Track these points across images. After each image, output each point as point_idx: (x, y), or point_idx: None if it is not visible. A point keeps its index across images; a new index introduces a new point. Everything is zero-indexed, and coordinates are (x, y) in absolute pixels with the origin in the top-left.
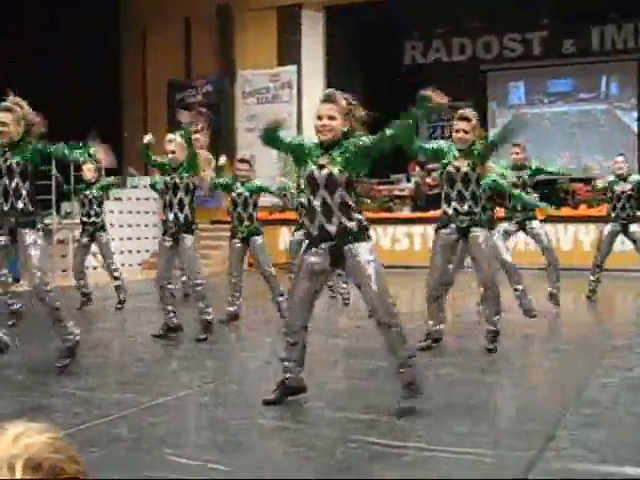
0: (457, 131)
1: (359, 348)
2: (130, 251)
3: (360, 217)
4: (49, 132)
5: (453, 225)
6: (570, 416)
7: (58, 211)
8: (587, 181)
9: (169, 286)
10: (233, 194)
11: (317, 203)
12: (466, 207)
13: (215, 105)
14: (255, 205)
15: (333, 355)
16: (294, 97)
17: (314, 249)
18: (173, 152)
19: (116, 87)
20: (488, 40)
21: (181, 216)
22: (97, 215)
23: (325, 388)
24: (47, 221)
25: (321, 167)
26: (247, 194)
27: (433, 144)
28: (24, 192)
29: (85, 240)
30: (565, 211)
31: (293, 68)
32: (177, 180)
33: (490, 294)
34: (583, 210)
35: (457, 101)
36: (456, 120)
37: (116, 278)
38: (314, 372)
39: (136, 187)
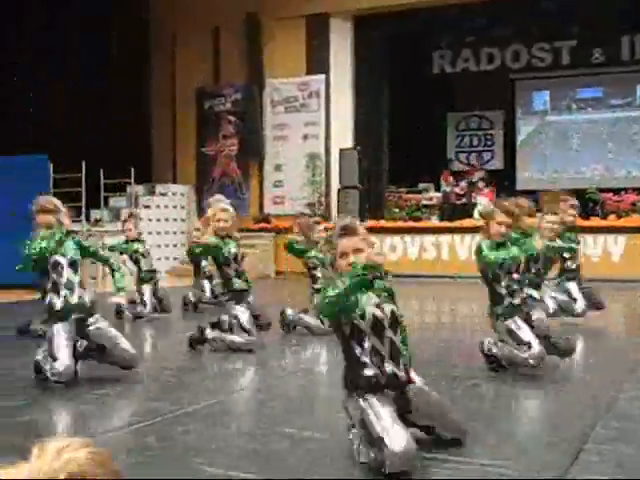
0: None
1: None
2: (159, 258)
3: None
4: (83, 138)
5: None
6: (600, 429)
7: (88, 218)
8: (616, 191)
9: None
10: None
11: (385, 347)
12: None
13: (243, 113)
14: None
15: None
16: (322, 106)
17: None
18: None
19: (145, 94)
20: (517, 49)
21: None
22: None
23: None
24: (76, 228)
25: (378, 306)
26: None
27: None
28: None
29: None
30: (594, 221)
31: (321, 77)
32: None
33: None
34: (612, 220)
35: (486, 111)
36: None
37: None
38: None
39: (165, 194)
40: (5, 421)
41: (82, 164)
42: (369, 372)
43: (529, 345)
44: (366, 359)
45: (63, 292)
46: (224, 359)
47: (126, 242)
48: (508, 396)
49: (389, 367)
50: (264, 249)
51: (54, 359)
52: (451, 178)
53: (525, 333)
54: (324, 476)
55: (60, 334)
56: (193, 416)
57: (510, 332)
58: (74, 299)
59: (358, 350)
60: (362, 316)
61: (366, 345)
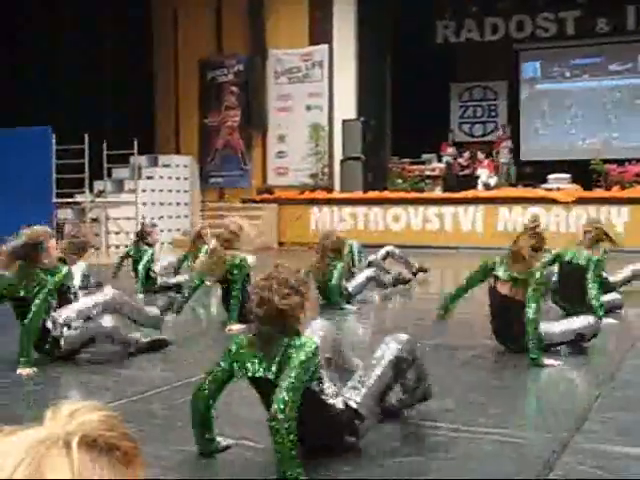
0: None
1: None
2: (162, 230)
3: None
4: (86, 110)
5: None
6: (603, 399)
7: (91, 189)
8: (620, 162)
9: None
10: None
11: None
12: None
13: (246, 84)
14: None
15: (363, 337)
16: (325, 77)
17: None
18: None
19: (148, 65)
20: (521, 19)
21: None
22: None
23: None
24: (80, 199)
25: None
26: None
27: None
28: None
29: None
30: (598, 193)
31: (324, 47)
32: None
33: None
34: (616, 192)
35: (489, 81)
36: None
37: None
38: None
39: (168, 166)
40: (14, 390)
41: (85, 136)
42: None
43: None
44: None
45: None
46: (223, 329)
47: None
48: (511, 368)
49: None
50: (267, 220)
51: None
52: (450, 149)
53: None
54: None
55: None
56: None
57: None
58: None
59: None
60: None
61: None
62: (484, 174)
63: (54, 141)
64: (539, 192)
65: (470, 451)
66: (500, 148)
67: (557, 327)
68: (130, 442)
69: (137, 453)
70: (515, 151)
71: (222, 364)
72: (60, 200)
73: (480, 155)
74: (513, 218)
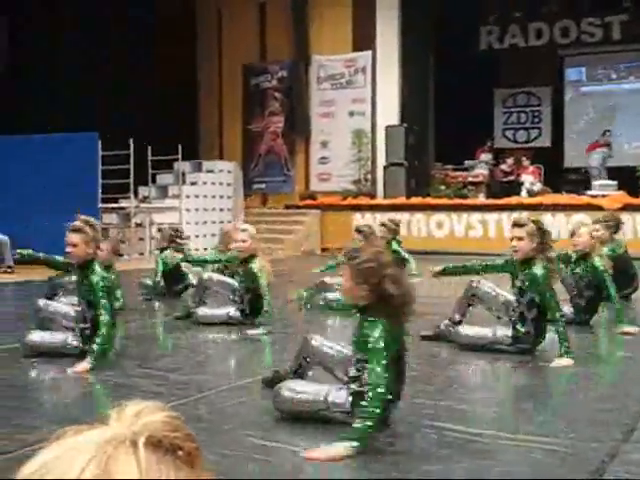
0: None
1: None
2: (205, 235)
3: None
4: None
5: None
6: None
7: (136, 194)
8: None
9: None
10: None
11: None
12: None
13: (289, 90)
14: None
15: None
16: (368, 83)
17: None
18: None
19: (192, 71)
20: (566, 24)
21: None
22: None
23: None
24: (125, 204)
25: None
26: None
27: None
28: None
29: None
30: None
31: (368, 54)
32: None
33: None
34: None
35: (533, 87)
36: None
37: None
38: None
39: (212, 172)
40: (66, 392)
41: (130, 141)
42: None
43: None
44: None
45: None
46: (269, 334)
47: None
48: (559, 373)
49: None
50: (310, 226)
51: None
52: (484, 155)
53: None
54: (373, 452)
55: None
56: (242, 390)
57: None
58: None
59: None
60: None
61: None
62: (528, 181)
63: (100, 147)
64: (584, 199)
65: (517, 459)
66: (594, 152)
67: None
68: (193, 443)
69: (199, 454)
70: (559, 157)
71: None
72: (105, 205)
73: (525, 161)
74: (557, 225)
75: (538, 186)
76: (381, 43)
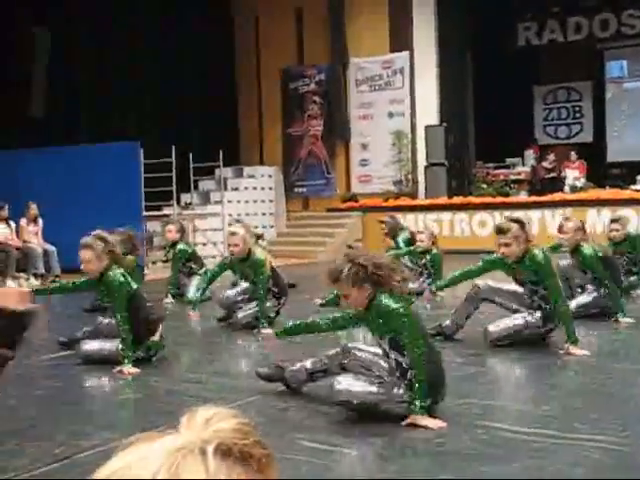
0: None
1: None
2: None
3: None
4: (172, 123)
5: None
6: None
7: (178, 202)
8: None
9: None
10: None
11: None
12: None
13: (328, 93)
14: None
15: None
16: (407, 83)
17: None
18: (236, 245)
19: (231, 77)
20: (605, 17)
21: None
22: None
23: (455, 375)
24: (168, 212)
25: None
26: None
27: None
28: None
29: None
30: None
31: (405, 54)
32: None
33: None
34: None
35: (573, 82)
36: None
37: None
38: None
39: (253, 177)
40: (111, 398)
41: (172, 148)
42: None
43: None
44: None
45: None
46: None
47: None
48: (607, 372)
49: None
50: (352, 228)
51: None
52: (534, 151)
53: None
54: (429, 454)
55: None
56: (291, 393)
57: None
58: None
59: None
60: None
61: None
62: (572, 176)
63: (142, 155)
64: (628, 193)
65: (572, 459)
66: None
67: None
68: (263, 449)
69: (270, 460)
70: (601, 152)
71: None
72: (149, 213)
73: (573, 156)
74: (602, 220)
75: (582, 181)
76: (418, 43)
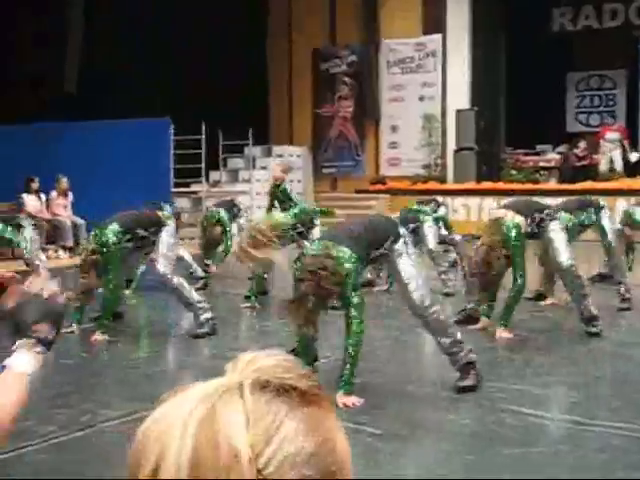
0: None
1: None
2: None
3: None
4: (202, 100)
5: None
6: None
7: (207, 179)
8: None
9: None
10: None
11: None
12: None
13: (359, 75)
14: None
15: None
16: (439, 66)
17: None
18: None
19: (262, 56)
20: None
21: None
22: None
23: (480, 359)
24: (196, 189)
25: None
26: None
27: None
28: None
29: None
30: None
31: (438, 37)
32: None
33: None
34: None
35: (607, 70)
36: None
37: None
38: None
39: (281, 156)
40: (138, 372)
41: (202, 126)
42: None
43: None
44: None
45: None
46: None
47: None
48: (631, 361)
49: None
50: (379, 210)
51: None
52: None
53: None
54: (449, 434)
55: None
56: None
57: None
58: None
59: None
60: None
61: None
62: (609, 146)
63: (172, 132)
64: None
65: (595, 445)
66: None
67: None
68: (309, 381)
69: (320, 392)
70: (634, 141)
71: None
72: (178, 190)
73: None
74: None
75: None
76: (451, 26)
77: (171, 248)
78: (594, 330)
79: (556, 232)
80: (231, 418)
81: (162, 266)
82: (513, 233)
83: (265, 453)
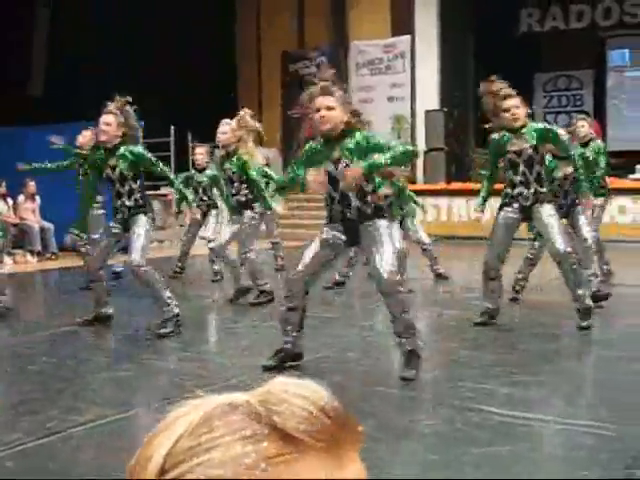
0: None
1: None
2: None
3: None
4: (168, 101)
5: (516, 205)
6: None
7: None
8: None
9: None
10: None
11: (337, 195)
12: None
13: None
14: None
15: (445, 325)
16: (408, 68)
17: (332, 225)
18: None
19: (231, 58)
20: (608, 6)
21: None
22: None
23: (448, 358)
24: (165, 191)
25: (336, 162)
26: None
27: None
28: (136, 192)
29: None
30: None
31: (407, 38)
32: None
33: (566, 267)
34: None
35: (575, 70)
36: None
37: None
38: (432, 341)
39: None
40: (106, 376)
41: (171, 128)
42: None
43: None
44: None
45: None
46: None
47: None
48: (598, 358)
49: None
50: None
51: None
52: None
53: None
54: (417, 434)
55: None
56: (288, 372)
57: None
58: None
59: None
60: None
61: None
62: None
63: (141, 135)
64: (626, 182)
65: (561, 443)
66: None
67: None
68: (312, 427)
69: (308, 440)
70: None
71: None
72: (147, 192)
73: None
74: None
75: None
76: (420, 28)
77: (148, 240)
78: (584, 324)
79: (551, 216)
80: (181, 426)
81: (137, 257)
82: None
83: (179, 467)
